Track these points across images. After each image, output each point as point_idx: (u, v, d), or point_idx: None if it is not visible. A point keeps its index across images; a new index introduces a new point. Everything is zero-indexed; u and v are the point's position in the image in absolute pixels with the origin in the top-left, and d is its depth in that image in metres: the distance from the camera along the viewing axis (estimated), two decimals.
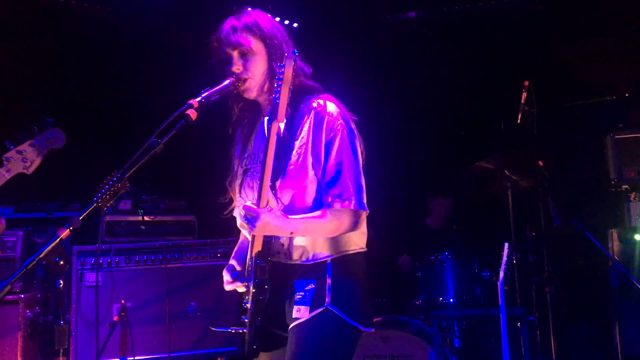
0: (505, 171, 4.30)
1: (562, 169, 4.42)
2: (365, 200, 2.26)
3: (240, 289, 2.31)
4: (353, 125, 2.33)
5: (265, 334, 2.22)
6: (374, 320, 4.25)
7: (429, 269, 4.59)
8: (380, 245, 5.31)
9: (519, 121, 4.36)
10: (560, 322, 4.39)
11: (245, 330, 2.20)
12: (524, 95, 4.37)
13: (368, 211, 2.27)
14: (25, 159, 2.64)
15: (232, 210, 2.51)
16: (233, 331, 2.24)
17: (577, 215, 3.98)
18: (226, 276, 2.37)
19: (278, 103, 2.13)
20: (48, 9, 5.11)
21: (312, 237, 2.25)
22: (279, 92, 2.13)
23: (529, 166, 4.27)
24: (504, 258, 3.80)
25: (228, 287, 2.36)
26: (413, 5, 5.65)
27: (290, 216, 2.18)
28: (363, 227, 2.33)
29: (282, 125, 2.19)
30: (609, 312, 4.24)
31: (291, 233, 2.19)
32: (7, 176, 2.64)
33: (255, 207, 2.11)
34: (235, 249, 2.54)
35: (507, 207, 4.30)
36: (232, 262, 2.44)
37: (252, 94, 2.35)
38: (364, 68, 5.76)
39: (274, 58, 2.31)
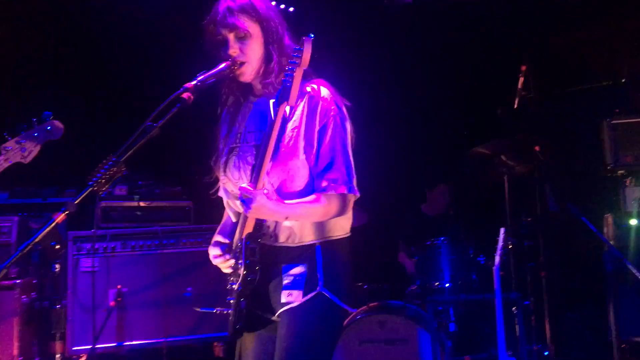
0: (502, 156, 4.29)
1: (559, 154, 4.41)
2: (355, 185, 2.27)
3: (226, 265, 2.30)
4: (345, 111, 2.33)
5: (249, 314, 2.23)
6: (370, 305, 4.27)
7: (425, 254, 4.60)
8: (376, 231, 5.32)
9: (515, 106, 4.35)
10: (556, 307, 4.41)
11: (230, 311, 2.22)
12: (521, 80, 4.36)
13: (359, 195, 2.28)
14: (24, 148, 2.66)
15: (218, 189, 2.50)
16: (217, 312, 2.26)
17: (573, 200, 3.99)
18: (214, 250, 2.36)
19: (290, 86, 2.10)
20: None
21: (302, 221, 2.26)
22: (291, 75, 2.11)
23: (525, 151, 4.26)
24: (500, 243, 3.81)
25: (216, 261, 2.35)
26: None
27: (287, 202, 2.18)
28: (349, 212, 2.35)
29: (287, 110, 2.19)
30: (604, 297, 4.26)
31: (286, 217, 2.19)
32: (4, 165, 2.67)
33: (252, 188, 2.10)
34: (219, 227, 2.53)
35: (503, 193, 4.30)
36: (217, 237, 2.41)
37: (247, 78, 2.33)
38: (360, 53, 5.74)
39: (270, 41, 2.30)
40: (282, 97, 2.12)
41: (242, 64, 2.28)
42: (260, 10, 2.30)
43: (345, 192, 2.22)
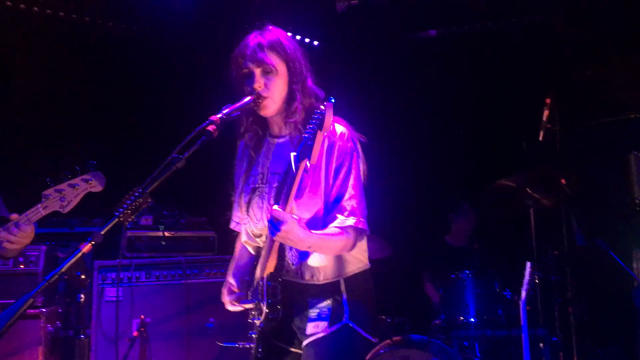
0: (527, 189, 4.25)
1: (585, 187, 4.35)
2: (366, 220, 2.33)
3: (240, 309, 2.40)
4: (359, 147, 2.39)
5: (271, 347, 2.30)
6: (394, 339, 4.21)
7: (449, 287, 4.54)
8: (401, 263, 5.28)
9: (540, 139, 4.32)
10: (584, 344, 4.31)
11: (252, 345, 2.28)
12: (546, 112, 4.34)
13: (368, 231, 2.35)
14: (63, 198, 2.66)
15: (232, 223, 2.59)
16: (240, 346, 2.29)
17: (601, 234, 3.92)
18: (229, 297, 2.46)
19: (312, 144, 2.12)
20: (71, 27, 5.21)
21: (322, 256, 2.31)
22: (313, 134, 2.13)
23: (551, 185, 4.22)
24: (526, 277, 3.75)
25: (232, 309, 2.45)
26: (434, 23, 5.66)
27: (312, 231, 2.21)
28: (364, 245, 2.42)
29: (308, 165, 2.22)
30: (634, 334, 4.15)
31: (309, 247, 2.23)
32: (43, 213, 2.67)
33: (283, 212, 2.12)
34: (232, 266, 2.59)
35: (529, 226, 4.25)
36: (231, 280, 2.50)
37: (268, 113, 2.38)
38: (384, 85, 5.78)
39: (295, 81, 2.36)
40: (304, 153, 2.14)
41: (265, 98, 2.33)
42: (288, 50, 2.36)
43: (361, 226, 2.29)
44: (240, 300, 2.43)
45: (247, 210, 2.43)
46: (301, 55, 2.41)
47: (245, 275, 2.50)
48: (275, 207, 2.12)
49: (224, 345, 2.37)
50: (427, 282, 5.24)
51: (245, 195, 2.44)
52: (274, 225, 2.09)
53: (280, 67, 2.34)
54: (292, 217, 2.12)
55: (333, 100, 2.21)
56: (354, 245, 2.32)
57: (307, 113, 2.32)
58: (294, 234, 2.11)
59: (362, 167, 2.39)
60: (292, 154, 2.23)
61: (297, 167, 2.16)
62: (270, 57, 2.32)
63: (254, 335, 2.28)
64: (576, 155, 4.97)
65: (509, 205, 4.42)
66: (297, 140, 2.29)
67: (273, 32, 2.39)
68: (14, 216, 2.69)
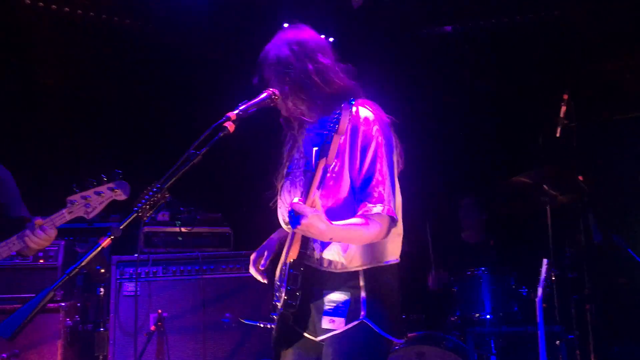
0: (544, 186, 4.22)
1: (603, 183, 4.32)
2: (394, 207, 2.26)
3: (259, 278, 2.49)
4: (389, 129, 2.35)
5: (289, 330, 2.30)
6: (409, 335, 4.22)
7: (465, 284, 4.53)
8: (416, 259, 5.27)
9: (557, 135, 4.29)
10: (602, 341, 4.27)
11: (273, 326, 2.30)
12: (563, 108, 4.31)
13: (397, 218, 2.28)
14: (88, 204, 2.72)
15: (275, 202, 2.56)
16: (261, 325, 2.32)
17: (618, 231, 3.89)
18: (253, 266, 2.53)
19: (329, 144, 2.16)
20: (93, 27, 5.26)
21: (347, 244, 2.28)
22: (330, 135, 2.16)
23: (568, 181, 4.19)
24: (543, 274, 3.73)
25: (251, 270, 2.52)
26: (449, 19, 5.64)
27: (334, 223, 2.18)
28: (397, 237, 2.36)
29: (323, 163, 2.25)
30: None
31: (330, 239, 2.19)
32: (68, 218, 2.75)
33: (304, 205, 2.10)
34: (268, 240, 2.62)
35: (545, 223, 4.22)
36: (263, 250, 2.55)
37: (285, 113, 2.43)
38: (399, 82, 5.76)
39: (315, 69, 2.35)
40: (323, 151, 2.16)
41: (279, 96, 2.36)
42: (306, 45, 2.38)
43: (389, 214, 2.22)
44: (260, 273, 2.52)
45: (280, 194, 2.45)
46: (321, 43, 2.42)
47: (273, 253, 2.55)
48: (296, 199, 2.11)
49: (246, 322, 2.42)
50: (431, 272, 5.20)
51: (280, 179, 2.47)
52: (295, 218, 2.07)
53: (295, 64, 2.34)
54: (313, 211, 2.08)
55: (353, 102, 2.24)
56: (387, 234, 2.24)
57: (333, 99, 2.31)
58: (315, 227, 2.08)
59: (395, 151, 2.33)
60: (314, 149, 2.25)
61: (317, 164, 2.17)
62: (284, 56, 2.35)
63: (274, 316, 2.29)
64: (594, 152, 4.93)
65: (525, 202, 4.40)
66: (326, 125, 2.26)
67: (289, 32, 2.42)
68: (39, 220, 2.75)
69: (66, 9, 5.08)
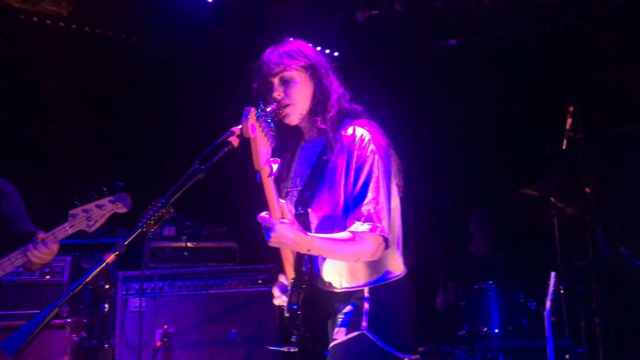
0: (551, 198, 4.20)
1: (610, 196, 4.29)
2: (386, 226, 2.23)
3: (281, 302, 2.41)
4: (386, 150, 2.34)
5: (309, 351, 2.27)
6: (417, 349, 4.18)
7: (473, 298, 4.50)
8: (423, 272, 5.24)
9: (564, 147, 4.28)
10: (611, 355, 4.22)
11: (294, 350, 2.29)
12: (569, 120, 4.29)
13: (389, 237, 2.25)
14: (90, 217, 2.73)
15: None
16: (285, 350, 2.30)
17: (627, 243, 3.86)
18: (275, 291, 2.45)
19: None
20: (96, 42, 5.30)
21: (341, 263, 2.27)
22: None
23: (575, 193, 4.17)
24: (551, 287, 3.70)
25: (276, 302, 2.44)
26: (454, 32, 5.65)
27: (310, 233, 2.18)
28: (396, 254, 2.34)
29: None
30: None
31: (308, 250, 2.17)
32: (69, 232, 2.76)
33: (269, 217, 2.09)
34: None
35: (553, 235, 4.19)
36: (281, 276, 2.49)
37: (292, 121, 2.39)
38: (404, 95, 5.76)
39: (318, 85, 2.36)
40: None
41: (286, 106, 2.34)
42: (307, 55, 2.37)
43: (378, 233, 2.19)
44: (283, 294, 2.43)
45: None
46: (322, 58, 2.41)
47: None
48: (263, 214, 2.10)
49: (271, 348, 2.42)
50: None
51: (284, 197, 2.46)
52: (266, 232, 2.08)
53: (299, 73, 2.34)
54: (280, 221, 2.07)
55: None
56: (375, 253, 2.22)
57: (334, 118, 2.32)
58: (286, 237, 2.07)
59: (393, 171, 2.32)
60: (310, 167, 2.26)
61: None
62: (287, 64, 2.32)
63: (294, 340, 2.29)
64: (600, 164, 4.90)
65: (532, 214, 4.38)
66: (323, 144, 2.28)
67: (290, 42, 2.40)
68: (42, 235, 2.75)
69: (73, 25, 5.13)
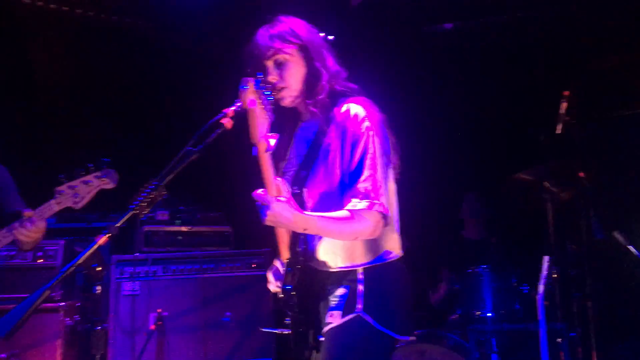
0: (545, 183, 4.20)
1: (605, 180, 4.30)
2: (385, 203, 2.20)
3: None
4: (382, 125, 2.31)
5: (302, 333, 2.24)
6: None
7: (466, 282, 4.51)
8: (417, 257, 5.25)
9: (559, 131, 4.27)
10: (604, 338, 4.25)
11: (288, 332, 2.25)
12: (564, 105, 4.29)
13: (388, 214, 2.22)
14: (77, 194, 2.71)
15: None
16: (279, 332, 2.29)
17: (620, 227, 3.87)
18: (270, 277, 2.43)
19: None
20: (87, 24, 5.25)
21: (336, 241, 2.24)
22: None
23: (569, 178, 4.17)
24: (544, 272, 3.72)
25: (271, 287, 2.42)
26: (449, 16, 5.62)
27: (307, 212, 2.15)
28: (394, 234, 2.32)
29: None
30: None
31: (305, 229, 2.13)
32: (56, 208, 2.74)
33: (265, 195, 2.05)
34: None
35: (546, 219, 4.20)
36: (277, 264, 2.47)
37: (288, 103, 2.37)
38: (398, 79, 5.74)
39: (312, 65, 2.33)
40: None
41: (282, 89, 2.32)
42: (300, 35, 2.33)
43: (375, 210, 2.16)
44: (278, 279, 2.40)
45: None
46: (315, 36, 2.38)
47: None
48: (259, 191, 2.05)
49: (265, 330, 2.41)
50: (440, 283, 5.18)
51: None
52: (261, 210, 2.04)
53: (292, 54, 2.31)
54: (276, 199, 2.03)
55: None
56: (375, 230, 2.18)
57: (329, 97, 2.29)
58: (283, 216, 2.03)
59: (386, 145, 2.29)
60: (306, 146, 2.23)
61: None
62: (280, 46, 2.29)
63: (288, 322, 2.25)
64: (595, 148, 4.91)
65: (526, 199, 4.38)
66: (319, 122, 2.27)
67: (282, 22, 2.36)
68: (28, 212, 2.73)
69: (64, 7, 5.07)
